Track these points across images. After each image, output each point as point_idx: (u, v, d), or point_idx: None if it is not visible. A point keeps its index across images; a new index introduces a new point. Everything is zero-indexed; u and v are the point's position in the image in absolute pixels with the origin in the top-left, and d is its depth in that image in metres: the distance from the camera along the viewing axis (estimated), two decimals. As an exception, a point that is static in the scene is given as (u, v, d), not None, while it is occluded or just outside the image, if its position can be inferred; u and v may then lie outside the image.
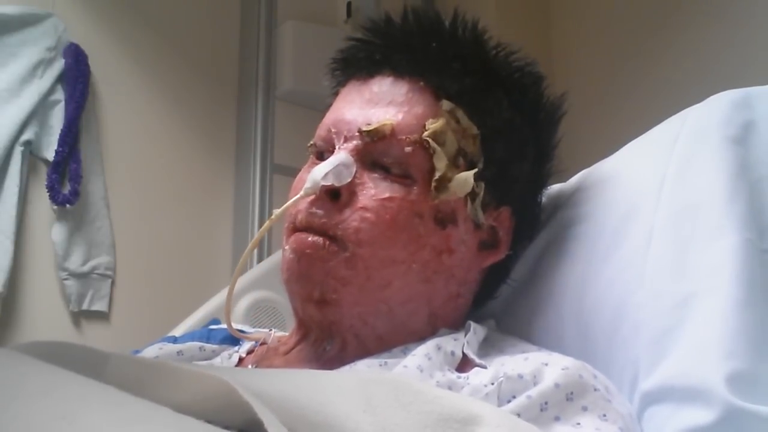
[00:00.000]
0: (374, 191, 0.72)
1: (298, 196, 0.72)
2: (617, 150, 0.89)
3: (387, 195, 0.71)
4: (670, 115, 0.83)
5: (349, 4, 2.36)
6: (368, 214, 0.71)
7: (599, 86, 2.22)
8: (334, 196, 0.72)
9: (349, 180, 0.72)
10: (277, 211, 0.73)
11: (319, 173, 0.71)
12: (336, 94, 0.82)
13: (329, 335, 0.74)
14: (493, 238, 0.78)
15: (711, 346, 0.62)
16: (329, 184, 0.71)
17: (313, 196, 0.72)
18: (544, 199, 0.89)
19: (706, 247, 0.68)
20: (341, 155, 0.73)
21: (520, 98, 0.80)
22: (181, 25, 2.17)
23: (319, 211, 0.71)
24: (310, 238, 0.71)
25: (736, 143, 0.72)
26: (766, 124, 0.74)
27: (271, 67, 2.22)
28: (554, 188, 0.91)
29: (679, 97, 0.87)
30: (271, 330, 0.83)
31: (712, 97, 0.78)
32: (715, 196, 0.70)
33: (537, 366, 0.62)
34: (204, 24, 2.21)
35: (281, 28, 2.26)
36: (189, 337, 0.88)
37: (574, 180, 0.91)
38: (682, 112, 0.81)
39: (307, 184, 0.71)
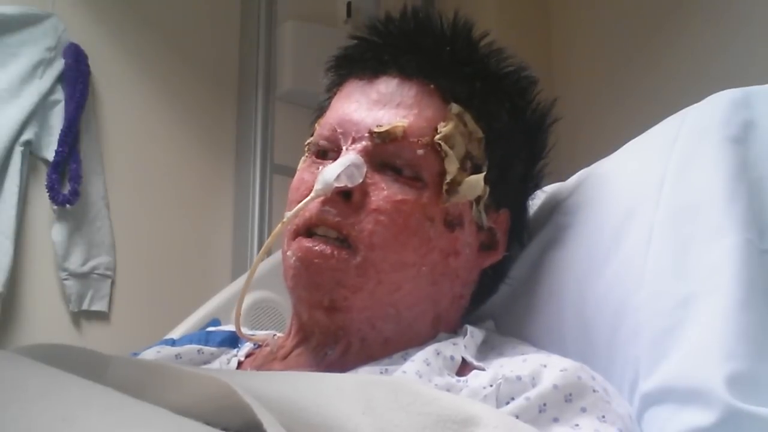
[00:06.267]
0: (387, 193, 0.71)
1: (309, 197, 0.71)
2: (617, 150, 0.89)
3: (400, 197, 0.71)
4: (670, 115, 0.83)
5: (349, 4, 2.36)
6: (382, 217, 0.70)
7: (599, 86, 2.22)
8: (345, 197, 0.71)
9: (361, 181, 0.71)
10: (288, 214, 0.72)
11: (330, 174, 0.70)
12: (333, 92, 0.82)
13: (334, 339, 0.73)
14: (491, 240, 0.78)
15: (711, 347, 0.62)
16: (342, 185, 0.70)
17: (323, 198, 0.71)
18: (543, 198, 0.89)
19: (706, 247, 0.68)
20: (351, 156, 0.72)
21: (520, 102, 0.80)
22: (181, 25, 2.17)
23: (333, 210, 0.71)
24: (316, 247, 0.70)
25: (735, 142, 0.72)
26: (765, 124, 0.73)
27: (271, 67, 2.22)
28: (553, 187, 0.91)
29: (679, 97, 0.87)
30: (274, 334, 0.83)
31: (711, 96, 0.78)
32: (714, 196, 0.70)
33: (535, 367, 0.62)
34: (204, 24, 2.21)
35: (281, 28, 2.26)
36: (187, 339, 0.88)
37: (573, 179, 0.91)
38: (682, 111, 0.81)
39: (318, 186, 0.70)
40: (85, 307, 1.90)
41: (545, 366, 0.62)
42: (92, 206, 1.93)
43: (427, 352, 0.67)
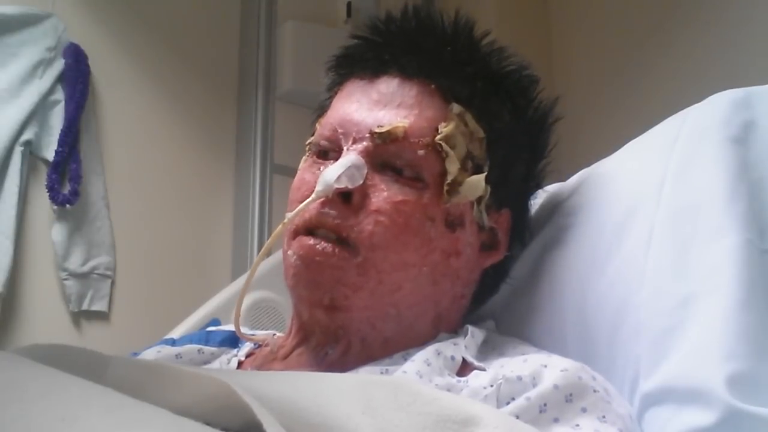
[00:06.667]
0: (387, 194, 0.71)
1: (309, 199, 0.71)
2: (617, 149, 0.88)
3: (400, 198, 0.71)
4: (670, 115, 0.83)
5: (349, 4, 2.36)
6: (382, 218, 0.70)
7: (599, 86, 2.22)
8: (345, 198, 0.71)
9: (361, 182, 0.71)
10: (289, 215, 0.72)
11: (331, 176, 0.70)
12: (334, 92, 0.82)
13: (334, 339, 0.73)
14: (492, 240, 0.78)
15: (711, 347, 0.62)
16: (342, 186, 0.70)
17: (323, 199, 0.71)
18: (544, 198, 0.89)
19: (706, 247, 0.68)
20: (352, 157, 0.72)
21: (521, 101, 0.80)
22: (181, 25, 2.17)
23: (332, 212, 0.71)
24: (318, 245, 0.70)
25: (736, 143, 0.72)
26: (766, 124, 0.73)
27: (271, 67, 2.22)
28: (554, 187, 0.91)
29: (679, 97, 0.87)
30: (274, 334, 0.83)
31: (712, 96, 0.78)
32: (715, 196, 0.70)
33: (536, 368, 0.62)
34: (204, 24, 2.22)
35: (281, 28, 2.26)
36: (187, 339, 0.88)
37: (574, 179, 0.91)
38: (682, 111, 0.81)
39: (319, 187, 0.70)
40: (85, 307, 1.90)
41: (546, 366, 0.62)
42: (92, 206, 1.93)
43: (428, 352, 0.67)
